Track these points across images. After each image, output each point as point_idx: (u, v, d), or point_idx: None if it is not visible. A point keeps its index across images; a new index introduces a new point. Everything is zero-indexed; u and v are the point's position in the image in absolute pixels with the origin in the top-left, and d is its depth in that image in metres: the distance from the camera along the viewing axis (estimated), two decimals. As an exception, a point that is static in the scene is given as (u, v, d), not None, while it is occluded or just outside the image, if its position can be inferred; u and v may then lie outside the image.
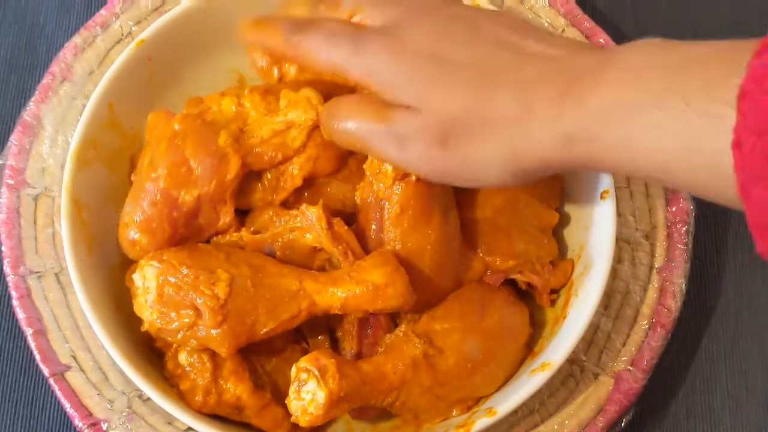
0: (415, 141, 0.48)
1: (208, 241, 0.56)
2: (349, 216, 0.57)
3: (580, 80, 0.44)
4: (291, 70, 0.59)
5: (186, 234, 0.55)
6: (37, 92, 0.66)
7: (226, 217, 0.56)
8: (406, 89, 0.48)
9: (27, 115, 0.65)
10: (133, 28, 0.67)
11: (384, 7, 0.51)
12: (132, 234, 0.54)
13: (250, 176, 0.56)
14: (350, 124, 0.50)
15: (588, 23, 0.69)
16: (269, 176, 0.56)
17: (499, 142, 0.47)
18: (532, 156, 0.46)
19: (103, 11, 0.68)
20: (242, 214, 0.57)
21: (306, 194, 0.57)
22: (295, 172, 0.56)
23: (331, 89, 0.57)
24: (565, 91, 0.45)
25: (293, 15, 0.53)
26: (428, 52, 0.48)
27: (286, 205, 0.57)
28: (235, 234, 0.56)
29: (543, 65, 0.46)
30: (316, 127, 0.55)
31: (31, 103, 0.65)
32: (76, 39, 0.67)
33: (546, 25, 0.68)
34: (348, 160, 0.57)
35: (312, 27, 0.50)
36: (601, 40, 0.68)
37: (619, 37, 0.69)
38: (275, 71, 0.59)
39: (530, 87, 0.46)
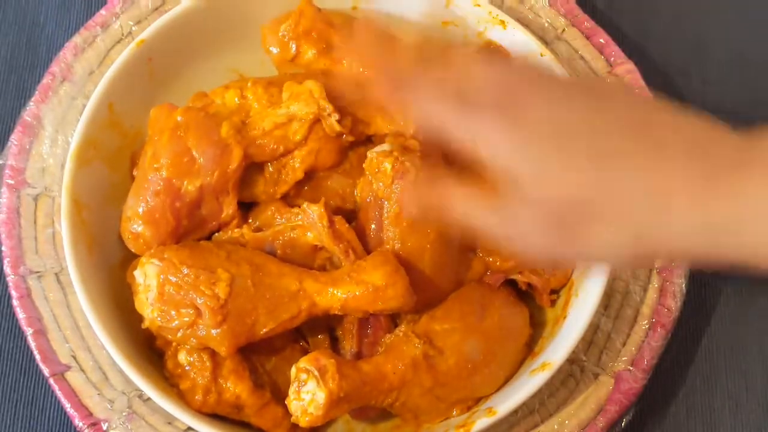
0: (530, 223, 0.44)
1: (210, 237, 0.57)
2: (349, 213, 0.57)
3: (727, 167, 0.41)
4: (309, 53, 0.59)
5: (189, 226, 0.55)
6: (37, 92, 0.66)
7: (229, 208, 0.56)
8: (520, 166, 0.44)
9: (27, 115, 0.65)
10: (133, 28, 0.67)
11: (494, 69, 0.47)
12: (135, 227, 0.54)
13: (252, 168, 0.56)
14: (463, 213, 0.46)
15: (588, 23, 0.69)
16: (271, 168, 0.57)
17: (626, 228, 0.43)
18: (665, 245, 0.43)
19: (103, 11, 0.68)
20: (246, 209, 0.58)
21: (306, 188, 0.57)
22: (296, 165, 0.56)
23: (336, 82, 0.58)
24: (709, 177, 0.41)
25: (399, 60, 0.50)
26: (544, 125, 0.44)
27: (287, 198, 0.57)
28: (236, 230, 0.56)
29: (677, 146, 0.43)
30: (317, 120, 0.55)
31: (31, 103, 0.65)
32: (76, 39, 0.67)
33: (546, 25, 0.68)
34: (349, 153, 0.57)
35: (417, 84, 0.47)
36: (602, 40, 0.68)
37: (619, 36, 0.69)
38: (293, 47, 0.59)
39: (664, 171, 0.42)
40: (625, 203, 0.42)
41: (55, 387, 0.59)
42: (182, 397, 0.54)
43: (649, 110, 0.45)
